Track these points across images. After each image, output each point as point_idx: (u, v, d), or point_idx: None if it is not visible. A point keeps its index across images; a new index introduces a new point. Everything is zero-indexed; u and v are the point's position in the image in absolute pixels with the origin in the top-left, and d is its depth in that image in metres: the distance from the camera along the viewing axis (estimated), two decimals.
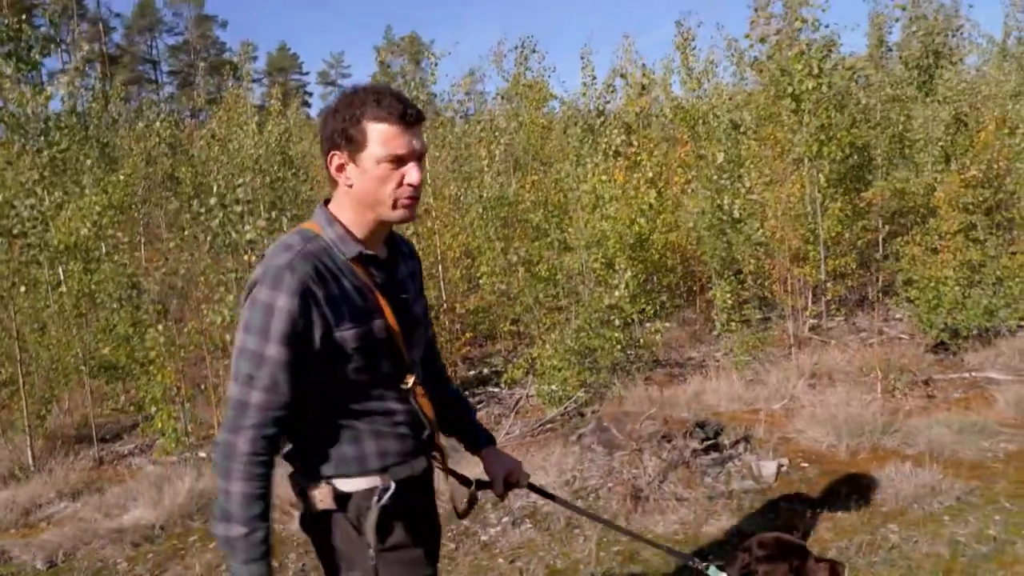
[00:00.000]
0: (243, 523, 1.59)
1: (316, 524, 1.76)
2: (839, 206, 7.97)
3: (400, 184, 1.64)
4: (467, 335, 8.28)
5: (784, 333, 7.93)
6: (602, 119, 9.72)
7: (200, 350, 5.91)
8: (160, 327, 5.87)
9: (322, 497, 1.71)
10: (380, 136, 1.60)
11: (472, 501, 2.03)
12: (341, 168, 1.66)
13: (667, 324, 7.65)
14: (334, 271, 1.64)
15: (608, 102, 10.05)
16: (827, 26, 7.87)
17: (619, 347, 6.25)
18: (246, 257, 5.56)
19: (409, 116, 1.62)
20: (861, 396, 5.82)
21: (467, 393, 6.91)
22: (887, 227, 9.13)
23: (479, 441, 2.07)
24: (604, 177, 8.06)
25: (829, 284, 7.96)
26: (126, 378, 7.27)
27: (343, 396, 1.68)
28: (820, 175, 7.79)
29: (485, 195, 8.42)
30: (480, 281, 8.39)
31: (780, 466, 4.47)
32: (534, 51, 10.15)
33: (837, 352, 6.81)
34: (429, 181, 7.99)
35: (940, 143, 8.58)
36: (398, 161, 1.62)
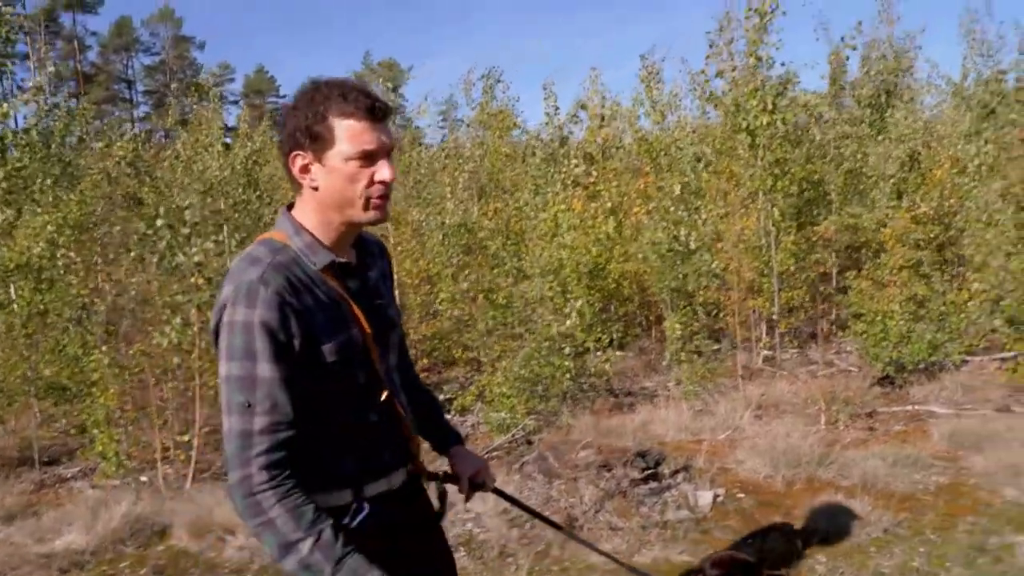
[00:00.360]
0: (304, 537, 1.47)
1: None
2: (792, 240, 8.11)
3: (371, 182, 1.55)
4: (423, 361, 8.28)
5: (736, 365, 8.02)
6: (564, 149, 9.85)
7: (145, 373, 5.85)
8: (104, 348, 5.80)
9: None
10: (348, 132, 1.52)
11: (442, 497, 1.95)
12: (305, 169, 1.57)
13: (619, 353, 7.71)
14: (306, 282, 1.56)
15: (571, 133, 10.20)
16: (783, 64, 8.07)
17: (568, 376, 6.27)
18: (193, 279, 5.53)
19: (378, 110, 1.54)
20: (805, 427, 5.87)
21: None
22: (840, 261, 9.29)
23: (448, 440, 2.02)
24: (563, 206, 8.15)
25: (782, 316, 8.07)
26: (74, 400, 7.17)
27: (321, 410, 1.59)
28: (774, 209, 7.93)
29: (447, 221, 8.48)
30: (439, 307, 8.42)
31: (716, 496, 4.50)
32: (499, 81, 10.28)
33: (785, 384, 6.88)
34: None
35: (892, 180, 8.78)
36: (368, 158, 1.54)
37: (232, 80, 62.23)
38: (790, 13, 8.31)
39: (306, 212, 1.62)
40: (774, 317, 8.11)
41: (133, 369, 5.86)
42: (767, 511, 4.37)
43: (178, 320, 5.73)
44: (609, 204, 8.58)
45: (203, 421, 6.03)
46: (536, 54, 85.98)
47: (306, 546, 1.47)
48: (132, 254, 5.56)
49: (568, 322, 6.44)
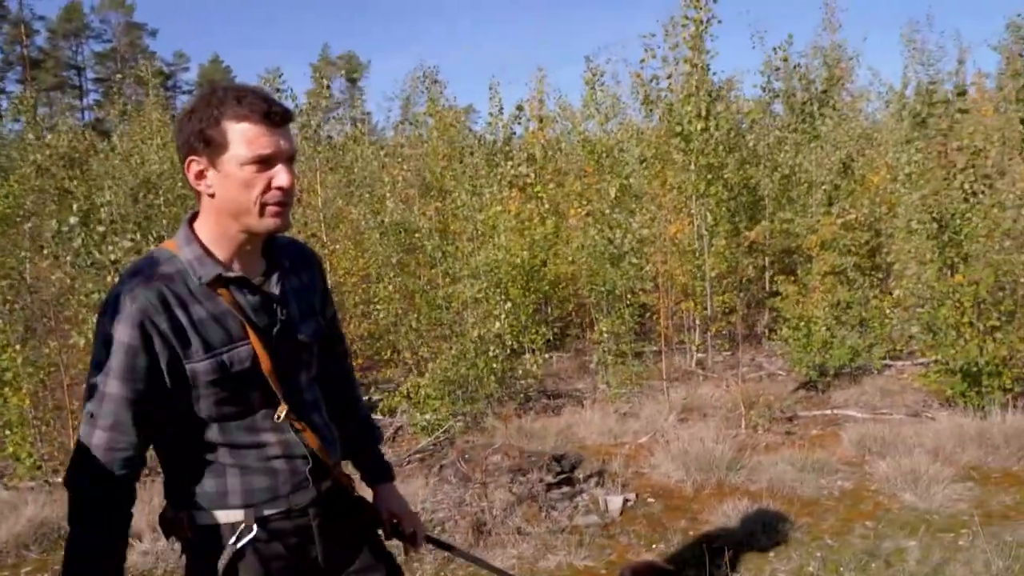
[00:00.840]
0: (92, 567, 1.47)
1: (184, 555, 1.66)
2: (724, 244, 8.24)
3: (268, 188, 1.49)
4: (358, 361, 8.23)
5: (669, 367, 8.12)
6: (507, 148, 9.88)
7: (60, 372, 5.73)
8: (18, 347, 5.67)
9: (180, 527, 1.61)
10: (243, 136, 1.46)
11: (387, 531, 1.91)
12: (201, 175, 1.51)
13: (555, 355, 7.74)
14: (185, 297, 1.50)
15: (513, 133, 10.22)
16: (714, 73, 8.17)
17: (495, 378, 6.29)
18: (109, 278, 5.42)
19: (274, 115, 1.48)
20: (726, 431, 5.97)
21: None
22: (776, 266, 9.47)
23: (374, 475, 1.95)
24: (499, 207, 8.17)
25: (713, 320, 8.19)
26: None
27: (204, 429, 1.55)
28: (708, 213, 8.04)
29: (387, 220, 8.44)
30: (376, 307, 8.38)
31: (626, 501, 4.55)
32: (435, 81, 10.25)
33: (711, 387, 6.99)
34: (321, 205, 7.95)
35: (824, 187, 8.96)
36: (264, 162, 1.48)
37: (187, 69, 61.15)
38: (727, 21, 8.45)
39: (205, 222, 1.56)
40: (709, 320, 8.23)
41: (47, 368, 5.73)
42: (674, 515, 4.43)
43: (94, 319, 5.62)
44: (547, 205, 8.63)
45: None
46: (520, 52, 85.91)
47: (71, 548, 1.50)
48: (45, 251, 5.41)
49: (497, 324, 6.46)
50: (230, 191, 1.50)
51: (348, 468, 1.92)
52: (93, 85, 55.08)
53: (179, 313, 1.49)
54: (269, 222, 1.53)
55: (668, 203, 8.50)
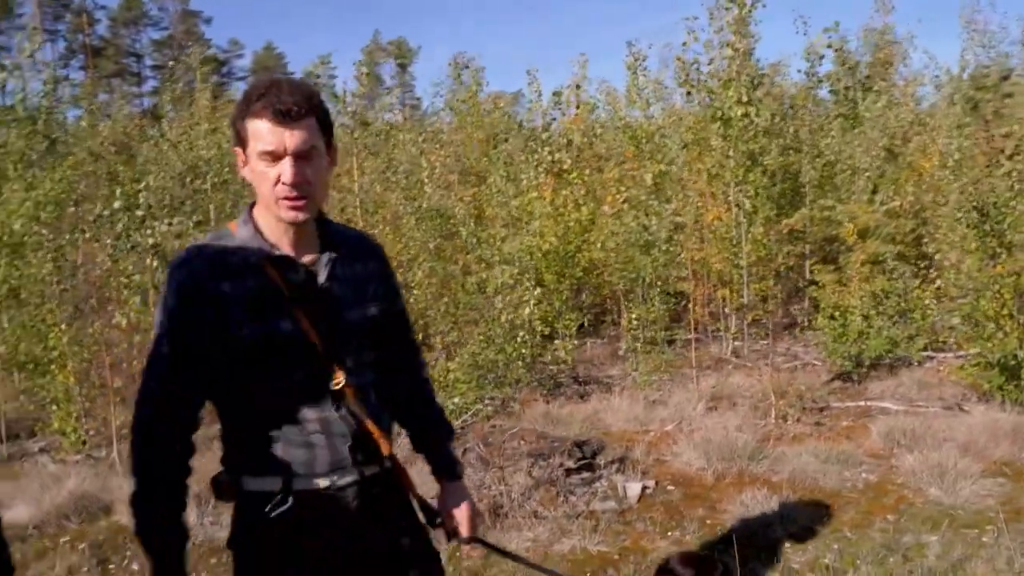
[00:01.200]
0: (144, 511, 1.61)
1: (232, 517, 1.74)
2: (762, 231, 8.11)
3: (277, 182, 1.56)
4: None
5: (702, 355, 8.06)
6: (546, 135, 9.85)
7: (102, 351, 5.94)
8: (64, 326, 5.90)
9: (226, 490, 1.69)
10: (256, 132, 1.55)
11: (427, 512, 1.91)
12: (244, 164, 1.63)
13: (581, 342, 7.74)
14: (233, 271, 1.59)
15: (553, 119, 10.19)
16: (758, 60, 8.03)
17: (522, 363, 6.33)
18: (149, 261, 5.61)
19: (279, 112, 1.54)
20: (754, 420, 5.94)
21: None
22: (817, 254, 9.30)
23: (439, 472, 1.94)
24: (535, 194, 8.18)
25: (750, 308, 8.08)
26: (45, 375, 7.29)
27: (250, 398, 1.64)
28: (746, 200, 7.93)
29: (424, 205, 8.51)
30: (413, 291, 8.47)
31: (645, 488, 4.56)
32: (467, 67, 10.24)
33: (743, 376, 6.92)
34: (358, 191, 8.04)
35: (867, 174, 8.75)
36: (273, 157, 1.55)
37: (241, 56, 62.21)
38: (771, 6, 8.29)
39: (258, 206, 1.67)
40: (745, 308, 8.14)
41: (92, 348, 5.95)
42: (692, 504, 4.43)
43: (137, 300, 5.82)
44: (583, 191, 8.60)
45: None
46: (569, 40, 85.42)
47: (135, 522, 1.62)
48: (87, 234, 5.61)
49: (526, 310, 6.49)
50: (256, 183, 1.60)
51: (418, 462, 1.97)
52: (151, 72, 56.41)
53: (225, 284, 1.59)
54: (285, 214, 1.60)
55: (706, 189, 8.40)
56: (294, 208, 1.59)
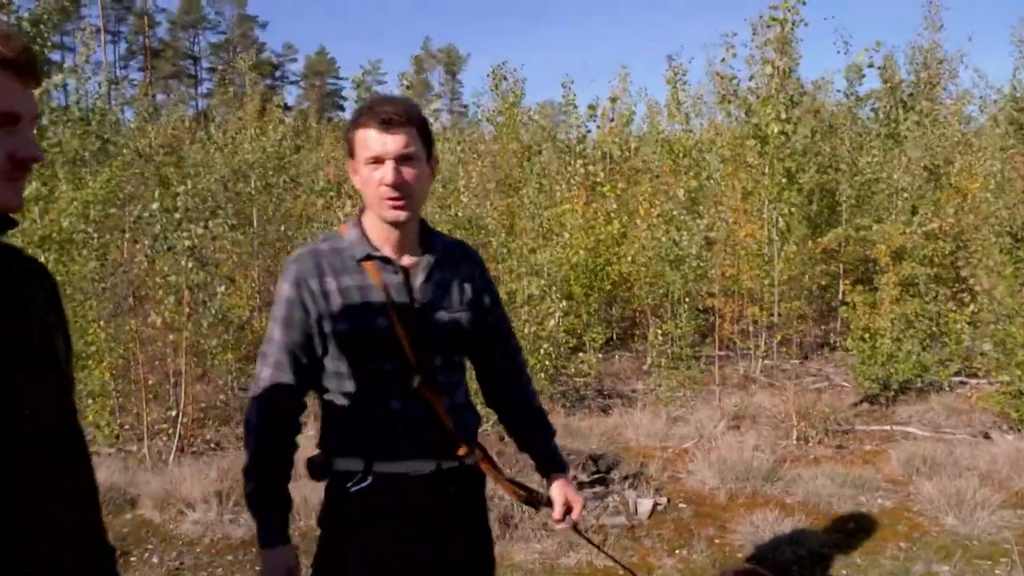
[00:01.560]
0: (257, 479, 1.79)
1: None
2: (795, 249, 8.05)
3: (380, 184, 1.72)
4: None
5: (728, 372, 8.02)
6: (580, 147, 9.91)
7: (136, 348, 6.14)
8: (102, 323, 6.12)
9: (319, 469, 1.84)
10: (363, 140, 1.72)
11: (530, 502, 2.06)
12: (354, 173, 1.80)
13: (607, 356, 7.76)
14: (338, 268, 1.77)
15: (588, 131, 10.24)
16: (798, 78, 7.98)
17: (545, 375, 6.38)
18: (184, 262, 5.80)
19: (383, 118, 1.71)
20: (775, 441, 5.91)
21: None
22: (852, 274, 9.18)
23: (543, 468, 2.06)
24: (567, 206, 8.23)
25: (780, 327, 8.02)
26: (82, 369, 7.57)
27: (344, 384, 1.80)
28: (780, 218, 7.88)
29: (460, 214, 8.63)
30: None
31: (656, 504, 4.57)
32: (505, 78, 10.34)
33: (767, 395, 6.88)
34: None
35: (905, 194, 8.62)
36: (376, 161, 1.71)
37: (295, 60, 63.51)
38: (815, 25, 8.24)
39: (367, 212, 1.83)
40: (775, 326, 8.08)
41: (128, 344, 6.17)
42: (703, 522, 4.43)
43: (172, 299, 6.02)
44: (615, 205, 8.63)
45: (191, 398, 6.33)
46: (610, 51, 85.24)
47: (250, 487, 1.81)
48: (126, 235, 5.82)
49: (551, 323, 6.54)
50: (363, 188, 1.78)
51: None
52: (207, 74, 57.84)
53: (330, 279, 1.77)
54: (387, 214, 1.75)
55: (740, 206, 8.36)
56: (395, 207, 1.73)
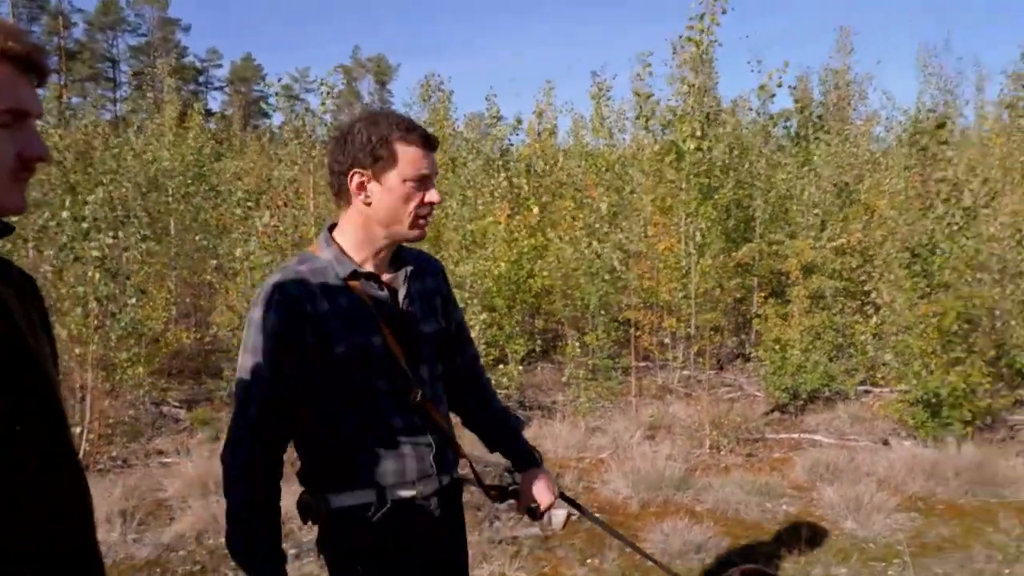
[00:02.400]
0: (244, 536, 1.67)
1: (319, 537, 1.80)
2: (710, 263, 8.28)
3: (422, 202, 1.73)
4: None
5: (646, 383, 8.19)
6: (504, 160, 9.99)
7: None
8: None
9: (316, 507, 1.75)
10: (408, 157, 1.70)
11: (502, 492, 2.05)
12: (362, 186, 1.73)
13: (530, 367, 7.82)
14: (325, 289, 1.71)
15: (511, 144, 10.34)
16: (714, 96, 8.23)
17: None
18: (91, 273, 5.61)
19: (431, 140, 1.75)
20: (690, 450, 6.06)
21: None
22: (767, 287, 9.48)
23: (519, 462, 2.05)
24: (491, 218, 8.28)
25: (696, 338, 8.22)
26: None
27: (340, 411, 1.72)
28: (697, 232, 8.09)
29: None
30: None
31: (570, 515, 4.62)
32: (439, 89, 10.38)
33: (683, 405, 7.04)
34: (314, 208, 8.11)
35: (816, 210, 8.97)
36: (421, 180, 1.72)
37: (219, 66, 62.10)
38: (736, 45, 8.53)
39: (347, 228, 1.78)
40: (692, 338, 8.28)
41: None
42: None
43: (79, 311, 5.81)
44: (537, 218, 8.73)
45: (98, 413, 6.11)
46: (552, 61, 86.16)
47: (239, 546, 1.68)
48: (29, 244, 5.60)
49: (472, 335, 6.54)
50: (389, 203, 1.73)
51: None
52: (127, 78, 56.04)
53: (321, 303, 1.71)
54: (416, 232, 1.77)
55: (659, 220, 8.56)
56: (425, 225, 1.78)
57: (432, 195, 1.74)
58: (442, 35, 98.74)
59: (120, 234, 5.65)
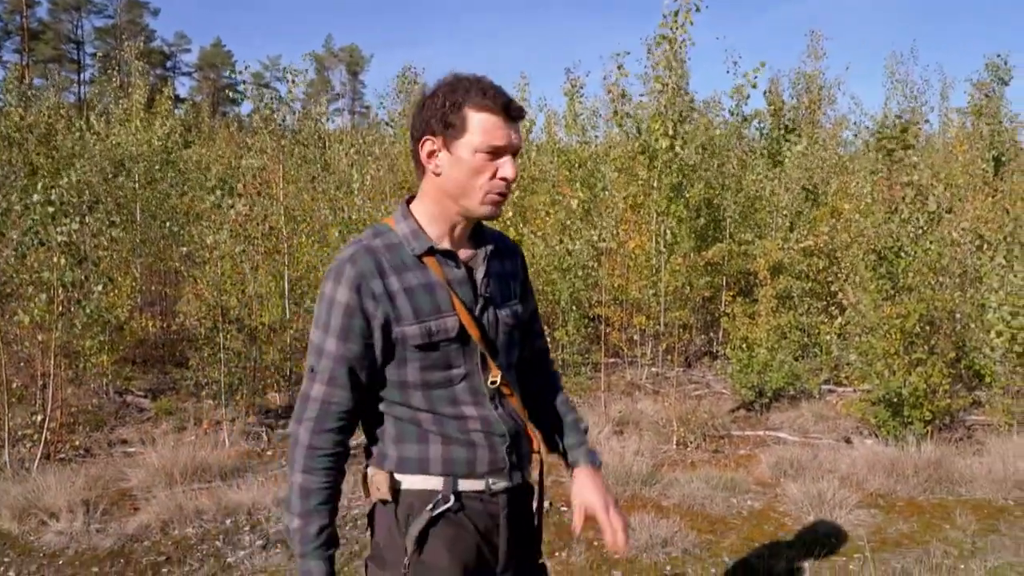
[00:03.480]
0: (299, 515, 1.60)
1: (372, 512, 1.72)
2: (680, 261, 8.36)
3: (493, 176, 1.59)
4: None
5: (616, 379, 8.25)
6: None
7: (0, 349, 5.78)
8: None
9: (379, 485, 1.66)
10: (481, 125, 1.56)
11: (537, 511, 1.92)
12: (432, 154, 1.61)
13: None
14: (398, 266, 1.61)
15: None
16: (687, 95, 8.29)
17: None
18: (56, 258, 5.50)
19: (513, 109, 1.59)
20: (657, 446, 6.12)
21: None
22: (736, 286, 9.60)
23: (575, 458, 1.94)
24: None
25: (665, 336, 8.30)
26: None
27: (412, 395, 1.64)
28: (667, 230, 8.17)
29: (354, 216, 8.52)
30: None
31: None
32: (415, 81, 10.34)
33: (651, 402, 7.11)
34: (283, 197, 8.03)
35: (785, 212, 9.10)
36: (495, 153, 1.58)
37: (188, 51, 61.18)
38: (706, 47, 8.58)
39: (423, 200, 1.67)
40: (661, 335, 8.35)
41: None
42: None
43: (43, 297, 5.70)
44: (510, 212, 8.72)
45: (60, 402, 6.01)
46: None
47: (294, 523, 1.61)
48: None
49: None
50: (458, 174, 1.59)
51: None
52: (92, 60, 54.93)
53: (393, 279, 1.60)
54: (487, 209, 1.63)
55: (631, 217, 8.62)
56: (497, 203, 1.63)
57: (507, 170, 1.60)
58: (416, 28, 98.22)
59: (88, 219, 5.55)
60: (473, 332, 1.64)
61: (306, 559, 1.61)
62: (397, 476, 1.65)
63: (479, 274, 1.69)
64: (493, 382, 1.67)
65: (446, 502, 1.63)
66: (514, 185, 1.69)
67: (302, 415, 1.63)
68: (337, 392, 1.61)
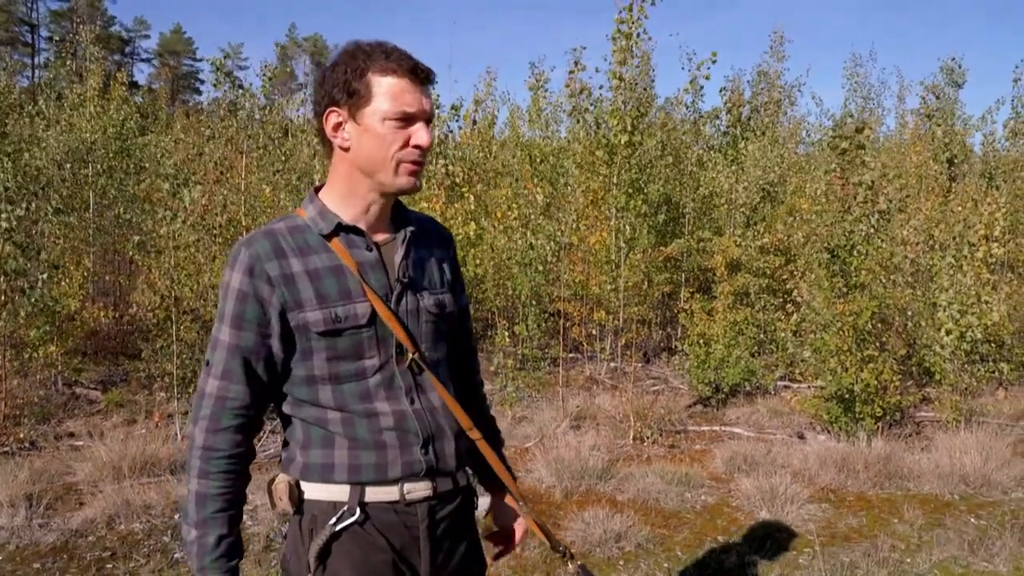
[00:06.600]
0: (196, 525, 1.44)
1: (287, 527, 1.56)
2: (639, 257, 8.41)
3: (406, 145, 1.45)
4: None
5: (574, 374, 8.28)
6: (442, 146, 9.92)
7: None
8: None
9: (281, 495, 1.51)
10: (388, 90, 1.43)
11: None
12: (338, 127, 1.47)
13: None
14: (303, 248, 1.47)
15: (450, 131, 10.28)
16: (647, 91, 8.33)
17: None
18: (1, 246, 5.35)
19: (421, 72, 1.46)
20: (614, 441, 6.16)
21: None
22: (694, 283, 9.69)
23: (493, 482, 1.84)
24: (425, 204, 8.21)
25: (624, 331, 8.35)
26: None
27: (320, 391, 1.48)
28: (627, 226, 8.20)
29: None
30: None
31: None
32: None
33: (609, 397, 7.15)
34: (244, 189, 7.90)
35: (743, 209, 9.19)
36: (407, 119, 1.44)
37: (147, 37, 59.90)
38: (669, 48, 8.62)
39: (333, 181, 1.53)
40: (620, 330, 8.40)
41: None
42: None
43: None
44: (472, 207, 8.70)
45: (5, 393, 5.85)
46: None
47: (191, 535, 1.45)
48: None
49: None
50: (367, 145, 1.46)
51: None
52: (46, 44, 53.50)
53: (294, 261, 1.47)
54: (402, 180, 1.48)
55: (591, 213, 8.64)
56: (415, 173, 1.49)
57: (421, 137, 1.45)
58: (382, 18, 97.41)
59: (33, 206, 5.39)
60: (387, 319, 1.49)
61: (204, 573, 1.43)
62: (302, 485, 1.51)
63: (396, 256, 1.54)
64: (413, 371, 1.52)
65: (351, 515, 1.47)
66: (430, 155, 1.57)
67: (197, 414, 1.48)
68: (232, 387, 1.46)
